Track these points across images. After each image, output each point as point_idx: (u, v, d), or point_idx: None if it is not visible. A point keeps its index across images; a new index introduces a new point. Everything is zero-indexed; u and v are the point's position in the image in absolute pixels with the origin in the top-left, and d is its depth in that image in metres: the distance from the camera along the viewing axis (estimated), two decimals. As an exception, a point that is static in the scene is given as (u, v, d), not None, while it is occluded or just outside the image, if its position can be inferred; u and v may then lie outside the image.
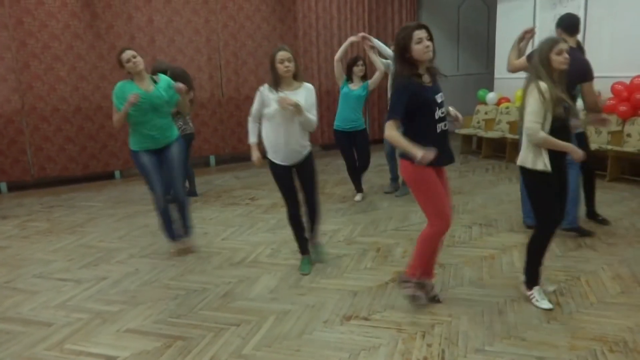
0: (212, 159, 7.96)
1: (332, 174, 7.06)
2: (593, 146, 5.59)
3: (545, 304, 3.02)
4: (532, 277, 3.09)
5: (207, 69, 7.68)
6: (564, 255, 3.85)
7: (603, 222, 4.49)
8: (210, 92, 7.73)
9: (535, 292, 3.08)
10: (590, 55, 4.21)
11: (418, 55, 2.70)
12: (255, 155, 3.53)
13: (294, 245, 4.28)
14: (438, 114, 2.78)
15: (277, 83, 3.37)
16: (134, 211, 5.47)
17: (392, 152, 5.75)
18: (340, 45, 8.61)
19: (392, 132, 2.72)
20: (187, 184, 5.80)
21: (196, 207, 5.60)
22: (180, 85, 3.82)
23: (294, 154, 3.48)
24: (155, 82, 3.85)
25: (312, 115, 3.43)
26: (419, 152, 2.59)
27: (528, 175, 2.97)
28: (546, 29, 6.94)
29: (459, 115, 2.96)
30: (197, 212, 5.37)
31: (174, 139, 3.98)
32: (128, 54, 3.72)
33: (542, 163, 2.85)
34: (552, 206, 2.95)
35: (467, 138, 8.22)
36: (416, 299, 3.05)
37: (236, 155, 8.07)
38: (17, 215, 5.52)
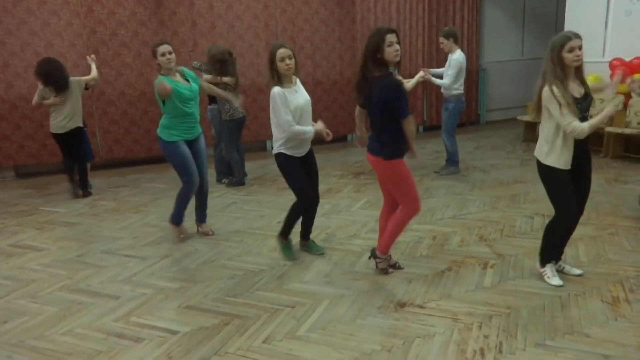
0: (269, 144, 8.07)
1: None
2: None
3: (556, 281, 3.11)
4: (547, 257, 3.17)
5: (265, 54, 7.69)
6: (634, 250, 3.64)
7: None
8: (269, 77, 7.81)
9: (548, 269, 3.17)
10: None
11: (389, 57, 2.92)
12: (319, 126, 3.55)
13: (349, 230, 4.30)
14: None
15: (278, 80, 3.38)
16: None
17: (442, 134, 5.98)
18: (398, 27, 8.49)
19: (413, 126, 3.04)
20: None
21: (252, 190, 5.72)
22: (164, 85, 3.68)
23: (307, 143, 3.55)
24: (184, 77, 3.98)
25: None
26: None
27: (540, 167, 3.01)
28: (620, 9, 6.51)
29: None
30: (254, 196, 5.48)
31: (201, 131, 4.12)
32: (165, 48, 3.80)
33: (552, 159, 2.91)
34: (564, 199, 2.97)
35: (531, 125, 7.87)
36: (387, 271, 3.39)
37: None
38: (78, 194, 5.81)
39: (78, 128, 5.47)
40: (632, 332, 2.60)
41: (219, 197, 5.49)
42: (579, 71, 2.88)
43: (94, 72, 5.66)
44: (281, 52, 3.30)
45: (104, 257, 3.93)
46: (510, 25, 9.60)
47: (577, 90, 2.86)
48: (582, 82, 2.91)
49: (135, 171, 6.91)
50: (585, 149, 2.97)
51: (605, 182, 5.33)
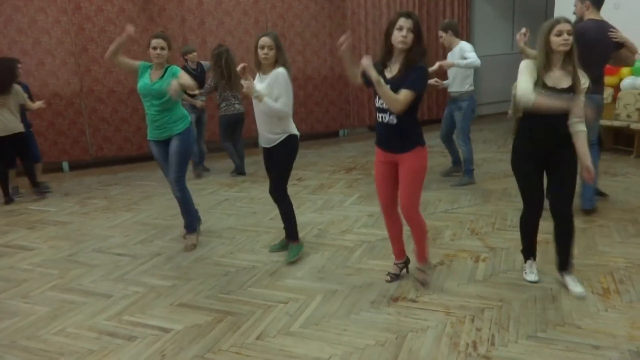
0: (261, 140, 8.04)
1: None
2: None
3: (530, 277, 3.12)
4: (526, 252, 3.19)
5: (256, 50, 7.72)
6: (623, 242, 3.67)
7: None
8: (259, 73, 7.79)
9: (527, 265, 3.18)
10: None
11: (394, 41, 2.71)
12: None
13: (341, 225, 4.30)
14: (378, 102, 2.83)
15: (258, 67, 3.37)
16: (186, 190, 5.63)
17: (448, 135, 5.56)
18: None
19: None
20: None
21: (244, 187, 5.71)
22: (174, 85, 3.55)
23: (264, 138, 3.55)
24: (164, 75, 3.77)
25: (275, 103, 3.29)
26: None
27: (511, 155, 3.03)
28: (608, 1, 6.54)
29: None
30: (246, 192, 5.47)
31: (175, 133, 3.81)
32: (157, 42, 3.71)
33: (515, 141, 2.97)
34: (527, 186, 2.98)
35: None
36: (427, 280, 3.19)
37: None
38: (78, 192, 5.80)
39: (19, 133, 5.31)
40: (622, 323, 2.63)
41: (210, 194, 5.48)
42: (569, 60, 2.74)
43: (35, 105, 5.47)
44: (262, 40, 3.29)
45: (96, 255, 3.90)
46: (501, 19, 9.64)
47: (559, 81, 2.73)
48: (574, 74, 2.74)
49: (126, 169, 6.88)
50: (561, 145, 2.82)
51: (602, 173, 5.36)
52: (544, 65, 2.75)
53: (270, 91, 3.29)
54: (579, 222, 4.02)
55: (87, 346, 2.66)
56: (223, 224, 4.50)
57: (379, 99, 2.79)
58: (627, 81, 6.35)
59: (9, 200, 5.44)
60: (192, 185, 5.83)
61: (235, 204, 5.10)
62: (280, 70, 3.29)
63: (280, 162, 3.53)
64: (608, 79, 6.36)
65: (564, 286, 3.01)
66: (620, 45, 3.94)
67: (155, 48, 3.71)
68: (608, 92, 6.45)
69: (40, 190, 5.62)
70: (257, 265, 3.57)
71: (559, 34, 2.69)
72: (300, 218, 4.53)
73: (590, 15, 3.99)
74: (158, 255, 3.84)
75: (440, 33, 5.32)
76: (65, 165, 7.00)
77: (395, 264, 3.29)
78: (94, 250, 4.02)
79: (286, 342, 2.61)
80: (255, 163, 6.86)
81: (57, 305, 3.13)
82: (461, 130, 5.28)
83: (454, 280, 3.21)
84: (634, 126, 6.03)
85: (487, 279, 3.21)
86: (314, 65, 8.11)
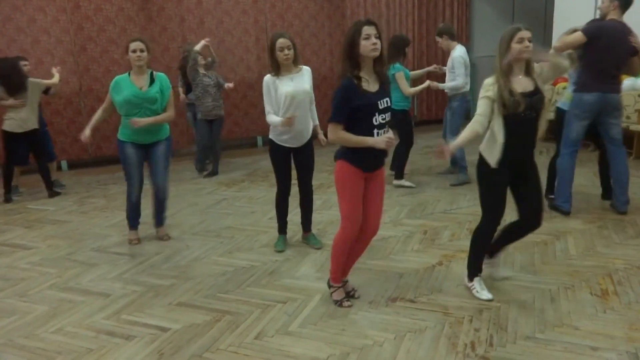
0: (259, 140, 8.05)
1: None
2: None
3: (485, 295, 2.93)
4: (473, 269, 3.01)
5: (255, 50, 7.73)
6: (622, 243, 3.67)
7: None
8: (258, 73, 7.78)
9: (476, 283, 3.00)
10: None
11: (364, 52, 2.55)
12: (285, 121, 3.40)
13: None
14: (378, 119, 2.66)
15: (277, 69, 3.40)
16: (184, 190, 5.63)
17: (447, 135, 5.58)
18: (387, 22, 8.48)
19: (337, 134, 2.65)
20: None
21: (243, 186, 5.70)
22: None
23: (299, 138, 3.56)
24: (152, 80, 3.75)
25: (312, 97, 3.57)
26: (380, 142, 2.60)
27: (479, 163, 2.87)
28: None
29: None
30: (244, 192, 5.47)
31: (163, 137, 3.89)
32: (137, 45, 3.64)
33: (485, 151, 2.80)
34: (493, 200, 2.84)
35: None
36: (342, 303, 2.93)
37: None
38: (77, 191, 5.79)
39: (35, 130, 5.34)
40: (620, 324, 2.63)
41: (209, 194, 5.48)
42: (528, 66, 2.76)
43: (56, 78, 5.54)
44: (280, 42, 3.32)
45: (94, 254, 3.90)
46: (500, 19, 9.63)
47: (525, 85, 2.72)
48: (532, 77, 2.78)
49: (125, 168, 6.86)
50: (529, 154, 2.83)
51: (594, 176, 5.36)
52: (507, 73, 2.71)
53: (309, 86, 3.51)
54: (577, 224, 4.03)
55: (85, 345, 2.66)
56: (221, 223, 4.50)
57: (379, 114, 2.64)
58: (627, 82, 6.34)
59: (8, 199, 5.43)
60: (191, 184, 5.84)
61: (233, 203, 5.10)
62: (308, 67, 3.56)
63: (312, 156, 3.70)
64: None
65: (565, 287, 3.02)
66: (635, 52, 3.93)
67: (134, 51, 3.63)
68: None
69: (53, 189, 5.63)
70: (256, 265, 3.57)
71: (520, 41, 2.67)
72: (299, 218, 4.52)
73: (613, 15, 3.97)
74: (157, 255, 3.84)
75: (437, 38, 5.44)
76: (64, 164, 7.00)
77: (346, 282, 3.10)
78: (92, 249, 4.02)
79: (284, 342, 2.61)
80: (254, 163, 6.86)
81: (55, 304, 3.12)
82: (450, 130, 5.37)
83: (452, 280, 3.21)
84: (633, 127, 6.04)
85: (485, 279, 3.20)
86: (314, 65, 8.09)
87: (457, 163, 5.55)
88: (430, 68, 5.68)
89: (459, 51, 5.25)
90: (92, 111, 6.84)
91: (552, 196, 4.41)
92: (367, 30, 2.54)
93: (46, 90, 5.51)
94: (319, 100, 8.26)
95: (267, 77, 3.45)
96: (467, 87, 5.37)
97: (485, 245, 2.99)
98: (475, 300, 2.93)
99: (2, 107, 5.30)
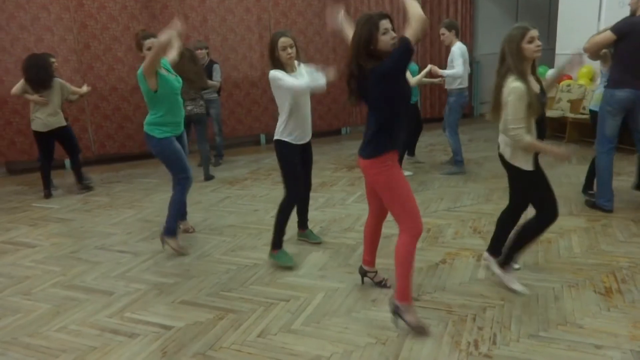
0: (263, 138, 8.05)
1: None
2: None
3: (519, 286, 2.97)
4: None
5: (258, 48, 7.71)
6: (626, 241, 3.66)
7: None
8: (262, 71, 7.77)
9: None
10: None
11: (385, 47, 2.45)
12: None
13: (343, 223, 4.30)
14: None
15: (281, 69, 3.32)
16: (188, 188, 5.63)
17: (445, 130, 5.81)
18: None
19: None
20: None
21: (246, 184, 5.70)
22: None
23: (307, 133, 3.51)
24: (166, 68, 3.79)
25: (320, 79, 3.36)
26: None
27: (521, 177, 2.84)
28: (613, 0, 6.51)
29: None
30: (247, 190, 5.47)
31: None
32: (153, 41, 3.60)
33: (519, 160, 2.78)
34: (549, 194, 2.83)
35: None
36: (424, 325, 2.63)
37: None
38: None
39: (63, 127, 5.40)
40: (624, 323, 2.62)
41: (212, 191, 5.48)
42: (534, 66, 2.73)
43: (83, 90, 5.63)
44: (282, 41, 3.29)
45: (98, 253, 3.91)
46: (504, 17, 9.59)
47: (534, 86, 2.70)
48: (537, 77, 2.77)
49: (129, 166, 6.88)
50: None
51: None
52: (525, 75, 2.66)
53: (310, 76, 3.44)
54: (581, 222, 4.02)
55: (88, 343, 2.67)
56: (224, 221, 4.50)
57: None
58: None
59: (47, 194, 5.54)
60: (194, 182, 5.83)
61: (236, 201, 5.10)
62: (301, 63, 3.52)
63: (311, 150, 3.65)
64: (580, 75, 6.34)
65: (568, 285, 3.01)
66: None
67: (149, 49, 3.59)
68: (581, 91, 6.43)
69: (84, 185, 5.71)
70: (259, 263, 3.57)
71: (531, 41, 2.63)
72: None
73: None
74: (160, 253, 3.84)
75: (444, 30, 5.53)
76: (67, 162, 7.00)
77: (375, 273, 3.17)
78: (96, 247, 4.03)
79: (287, 340, 2.61)
80: (257, 161, 6.86)
81: (59, 302, 3.13)
82: (449, 124, 5.66)
83: (455, 278, 3.20)
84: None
85: (489, 277, 3.20)
86: (317, 62, 8.02)
87: (454, 157, 5.80)
88: (428, 69, 5.60)
89: (458, 46, 5.45)
90: (95, 109, 6.90)
91: (592, 192, 4.48)
92: (385, 24, 2.46)
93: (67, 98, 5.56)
94: (321, 98, 8.33)
95: (275, 71, 3.28)
96: (465, 83, 5.54)
97: (534, 237, 2.95)
98: (479, 299, 2.93)
99: (29, 106, 5.37)
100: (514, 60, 2.65)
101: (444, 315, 2.77)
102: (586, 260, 3.36)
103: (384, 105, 2.54)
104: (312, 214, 4.56)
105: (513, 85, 2.62)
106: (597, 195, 4.34)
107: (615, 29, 3.88)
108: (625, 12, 4.21)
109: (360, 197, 5.01)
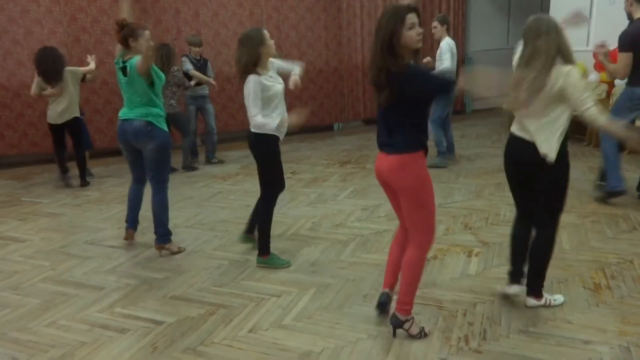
0: (255, 133, 8.02)
1: (373, 149, 6.99)
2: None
3: (561, 298, 2.83)
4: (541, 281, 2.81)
5: (251, 43, 7.68)
6: (615, 237, 3.69)
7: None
8: (253, 66, 7.74)
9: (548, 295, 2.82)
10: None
11: (410, 43, 2.23)
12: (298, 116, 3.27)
13: (335, 219, 4.30)
14: None
15: (260, 64, 3.17)
16: (179, 183, 5.60)
17: (441, 124, 5.85)
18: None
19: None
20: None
21: (238, 180, 5.69)
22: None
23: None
24: None
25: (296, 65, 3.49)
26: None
27: (555, 170, 2.60)
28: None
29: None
30: (239, 185, 5.46)
31: None
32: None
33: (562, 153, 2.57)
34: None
35: (515, 114, 7.92)
36: (424, 332, 2.57)
37: (278, 129, 8.11)
38: (71, 184, 5.75)
39: (75, 118, 5.41)
40: (612, 318, 2.64)
41: (204, 187, 5.46)
42: None
43: (92, 65, 5.60)
44: (267, 33, 3.23)
45: (88, 247, 3.88)
46: (496, 14, 9.63)
47: None
48: None
49: (119, 161, 6.78)
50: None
51: (589, 170, 5.39)
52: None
53: (280, 65, 3.47)
54: (571, 218, 4.04)
55: (78, 338, 2.65)
56: (216, 216, 4.49)
57: None
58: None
59: (84, 183, 5.60)
60: (186, 177, 5.82)
61: (228, 196, 5.09)
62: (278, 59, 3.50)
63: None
64: (601, 75, 6.42)
65: (558, 281, 3.04)
66: None
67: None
68: (602, 88, 6.47)
69: (85, 179, 5.69)
70: (250, 259, 3.56)
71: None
72: (294, 211, 4.53)
73: (637, 14, 4.05)
74: (151, 248, 3.82)
75: (436, 24, 5.66)
76: (67, 162, 6.93)
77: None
78: (86, 242, 4.00)
79: (278, 335, 2.61)
80: (248, 156, 6.82)
81: (48, 297, 3.11)
82: (435, 117, 5.69)
83: (446, 274, 3.22)
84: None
85: (479, 273, 3.22)
86: (309, 58, 8.07)
87: (453, 151, 5.90)
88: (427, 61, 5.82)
89: (447, 41, 5.59)
90: (85, 103, 6.82)
91: (603, 183, 4.49)
92: (412, 18, 2.21)
93: (83, 78, 5.53)
94: (313, 94, 8.31)
95: (255, 77, 3.13)
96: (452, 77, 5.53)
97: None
98: (469, 294, 2.94)
99: (44, 99, 5.37)
100: (559, 50, 2.45)
101: (435, 311, 2.78)
102: (576, 257, 3.39)
103: (420, 105, 2.40)
104: (304, 209, 4.58)
105: (567, 68, 2.46)
106: (607, 180, 4.37)
107: (625, 46, 4.02)
108: (616, 9, 4.25)
109: (353, 193, 5.02)
